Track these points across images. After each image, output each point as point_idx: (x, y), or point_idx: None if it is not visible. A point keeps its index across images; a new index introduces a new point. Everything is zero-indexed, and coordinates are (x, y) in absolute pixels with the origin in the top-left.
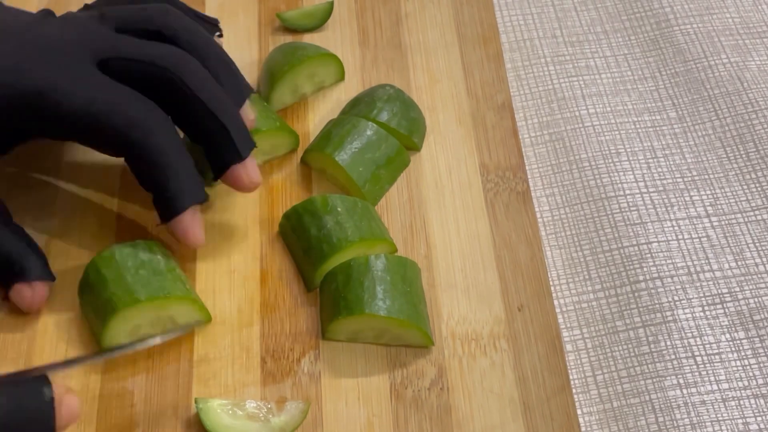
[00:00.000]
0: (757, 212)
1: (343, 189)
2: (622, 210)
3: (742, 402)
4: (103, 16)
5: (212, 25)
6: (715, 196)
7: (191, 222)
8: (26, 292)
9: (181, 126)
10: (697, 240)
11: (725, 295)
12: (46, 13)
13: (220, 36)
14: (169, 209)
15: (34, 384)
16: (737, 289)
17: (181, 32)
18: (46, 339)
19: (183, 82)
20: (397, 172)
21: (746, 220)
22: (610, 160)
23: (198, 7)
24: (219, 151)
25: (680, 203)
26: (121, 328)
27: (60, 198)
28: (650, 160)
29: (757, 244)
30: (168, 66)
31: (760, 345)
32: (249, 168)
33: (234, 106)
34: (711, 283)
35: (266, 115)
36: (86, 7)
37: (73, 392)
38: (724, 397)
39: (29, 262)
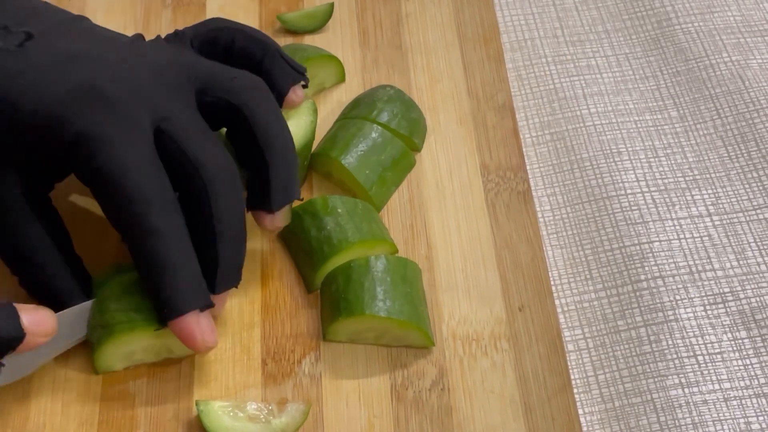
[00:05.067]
0: (758, 211)
1: (349, 192)
2: (624, 209)
3: (743, 401)
4: (188, 38)
5: (299, 73)
6: (716, 195)
7: (193, 327)
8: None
9: (238, 151)
10: (699, 239)
11: (727, 295)
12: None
13: (305, 86)
14: (163, 311)
15: None
16: (739, 288)
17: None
18: None
19: (253, 116)
20: (403, 174)
21: (748, 219)
22: (611, 160)
23: (199, 10)
24: (258, 189)
25: (682, 202)
26: (116, 352)
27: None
28: (651, 160)
29: (759, 243)
30: (241, 103)
31: (761, 344)
32: (276, 219)
33: (293, 153)
34: (713, 282)
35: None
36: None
37: (46, 309)
38: (725, 396)
39: (71, 299)
